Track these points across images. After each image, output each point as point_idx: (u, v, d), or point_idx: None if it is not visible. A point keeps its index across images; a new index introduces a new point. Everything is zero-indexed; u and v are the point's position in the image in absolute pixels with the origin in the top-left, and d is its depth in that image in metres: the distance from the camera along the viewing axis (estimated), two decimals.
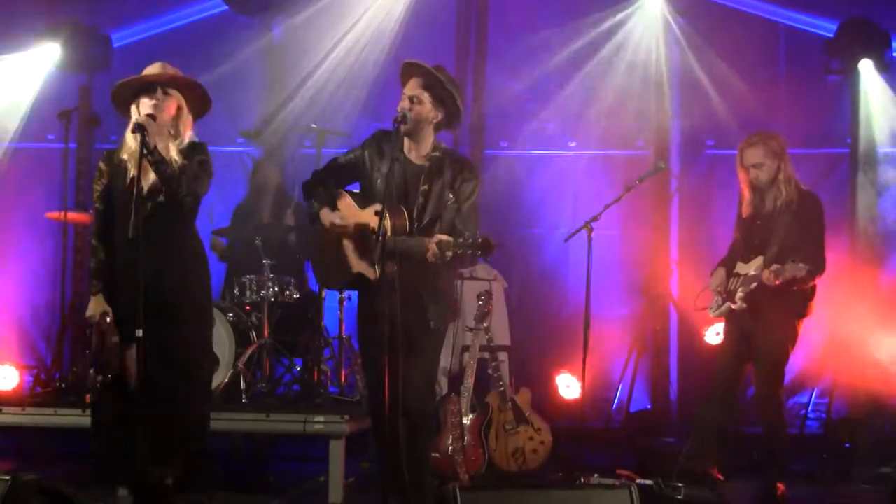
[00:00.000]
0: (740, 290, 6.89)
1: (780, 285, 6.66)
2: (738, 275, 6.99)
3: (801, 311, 6.93)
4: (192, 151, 5.72)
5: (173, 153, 5.61)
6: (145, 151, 5.43)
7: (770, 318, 6.86)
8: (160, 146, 5.57)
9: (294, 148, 10.45)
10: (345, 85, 9.91)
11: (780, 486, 6.85)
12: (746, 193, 7.05)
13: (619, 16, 9.99)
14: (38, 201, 9.69)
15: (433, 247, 5.46)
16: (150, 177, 5.60)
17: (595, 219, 6.71)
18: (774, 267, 6.66)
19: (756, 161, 6.95)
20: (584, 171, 10.16)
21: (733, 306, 6.92)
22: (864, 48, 9.34)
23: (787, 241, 6.81)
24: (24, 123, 10.03)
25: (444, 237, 5.48)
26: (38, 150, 10.28)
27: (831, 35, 9.51)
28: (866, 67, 9.42)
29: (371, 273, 5.57)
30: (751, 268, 6.90)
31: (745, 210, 7.08)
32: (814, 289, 6.93)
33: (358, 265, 5.77)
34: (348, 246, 5.79)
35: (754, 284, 6.80)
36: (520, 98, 10.58)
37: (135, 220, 5.26)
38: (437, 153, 5.83)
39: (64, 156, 8.67)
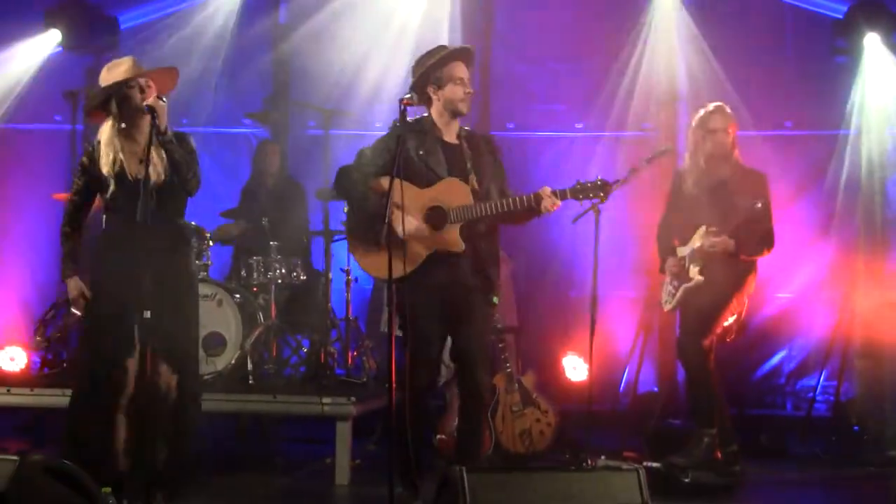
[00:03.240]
0: (692, 266, 6.93)
1: (719, 254, 6.83)
2: (683, 257, 7.03)
3: (739, 282, 6.96)
4: (180, 143, 5.68)
5: (154, 158, 5.58)
6: (156, 132, 5.42)
7: (712, 277, 6.90)
8: (136, 148, 5.63)
9: (300, 128, 10.45)
10: (350, 65, 9.88)
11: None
12: (700, 164, 7.06)
13: None
14: (45, 183, 9.69)
15: (548, 197, 5.74)
16: (154, 161, 5.58)
17: (602, 200, 6.69)
18: (715, 230, 6.82)
19: (722, 126, 7.01)
20: (590, 152, 10.13)
21: (689, 284, 6.96)
22: (872, 28, 9.28)
23: (733, 215, 6.85)
24: (31, 105, 10.05)
25: (549, 189, 5.78)
26: (46, 131, 10.29)
27: (840, 16, 9.46)
28: (873, 42, 9.35)
29: (459, 245, 5.76)
30: (695, 241, 6.94)
31: (692, 187, 7.08)
32: (754, 265, 7.00)
33: (437, 243, 5.79)
34: (420, 227, 5.78)
35: (709, 248, 6.90)
36: (526, 80, 10.57)
37: (142, 205, 5.26)
38: (463, 132, 6.02)
39: (71, 137, 8.67)
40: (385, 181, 5.65)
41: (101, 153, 5.66)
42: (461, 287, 5.87)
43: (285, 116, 10.41)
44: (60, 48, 9.96)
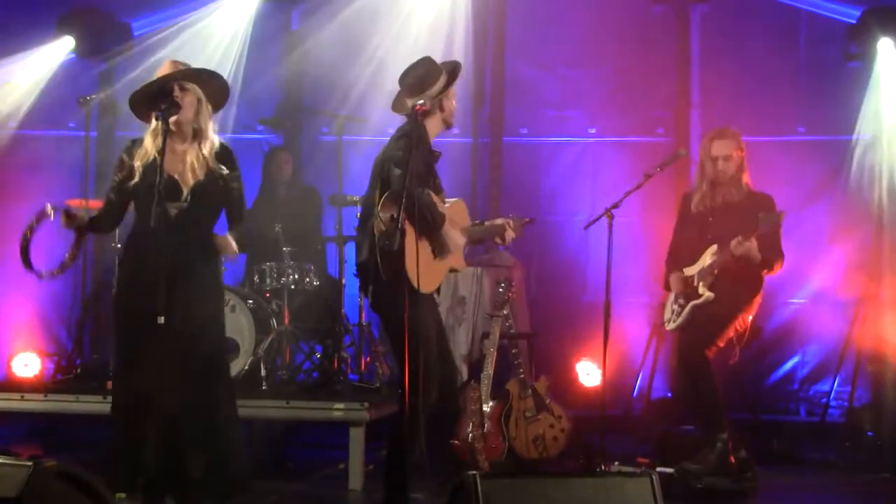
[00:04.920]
0: (702, 283, 6.93)
1: (740, 261, 6.82)
2: (691, 276, 7.03)
3: (746, 300, 7.00)
4: (225, 159, 5.68)
5: (199, 158, 5.59)
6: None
7: (720, 294, 6.91)
8: (182, 148, 5.60)
9: (313, 135, 10.46)
10: (363, 71, 9.89)
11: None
12: (703, 187, 7.12)
13: (640, 2, 9.95)
14: (59, 189, 9.71)
15: (511, 229, 6.07)
16: (187, 174, 5.58)
17: (615, 206, 6.70)
18: (739, 239, 6.76)
19: (726, 153, 7.03)
20: (603, 158, 10.14)
21: (698, 301, 6.96)
22: (886, 33, 9.25)
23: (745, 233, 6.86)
24: (45, 111, 10.08)
25: (514, 218, 6.15)
26: (60, 137, 10.32)
27: (853, 21, 9.44)
28: (886, 47, 9.31)
29: (463, 264, 6.03)
30: (705, 259, 6.95)
31: (697, 206, 7.11)
32: (761, 285, 7.03)
33: (455, 261, 5.92)
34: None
35: (716, 270, 6.91)
36: (539, 85, 10.56)
37: (156, 210, 5.25)
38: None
39: (84, 143, 8.68)
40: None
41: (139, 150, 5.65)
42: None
43: (298, 123, 10.43)
44: (74, 55, 10.00)
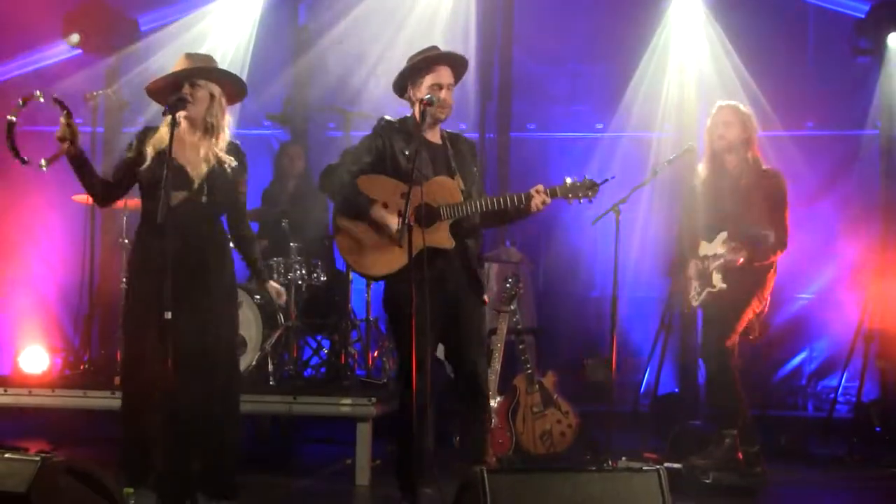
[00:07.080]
0: (715, 272, 6.90)
1: (744, 262, 6.81)
2: (706, 257, 7.00)
3: (759, 281, 6.95)
4: (235, 157, 5.67)
5: (211, 150, 5.59)
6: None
7: (732, 280, 6.89)
8: (193, 140, 5.58)
9: (320, 130, 10.46)
10: (370, 66, 9.89)
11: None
12: (706, 163, 7.10)
13: None
14: (65, 184, 9.70)
15: (540, 196, 5.68)
16: (200, 164, 5.58)
17: (623, 201, 6.68)
18: (734, 244, 6.80)
19: (725, 118, 7.00)
20: (611, 153, 10.12)
21: (713, 290, 6.93)
22: (895, 28, 9.22)
23: (749, 216, 6.84)
24: (52, 107, 10.07)
25: (542, 187, 5.72)
26: None
27: (862, 16, 9.41)
28: (895, 42, 9.28)
29: (450, 242, 5.74)
30: (716, 246, 6.94)
31: (702, 181, 7.11)
32: (773, 263, 6.99)
33: (428, 239, 5.64)
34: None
35: (727, 262, 6.89)
36: (547, 81, 10.57)
37: (162, 206, 5.22)
38: (446, 134, 5.99)
39: (91, 139, 8.68)
40: (368, 179, 5.76)
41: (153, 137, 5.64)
42: (452, 285, 5.78)
43: (305, 118, 10.42)
44: (80, 50, 10.00)
